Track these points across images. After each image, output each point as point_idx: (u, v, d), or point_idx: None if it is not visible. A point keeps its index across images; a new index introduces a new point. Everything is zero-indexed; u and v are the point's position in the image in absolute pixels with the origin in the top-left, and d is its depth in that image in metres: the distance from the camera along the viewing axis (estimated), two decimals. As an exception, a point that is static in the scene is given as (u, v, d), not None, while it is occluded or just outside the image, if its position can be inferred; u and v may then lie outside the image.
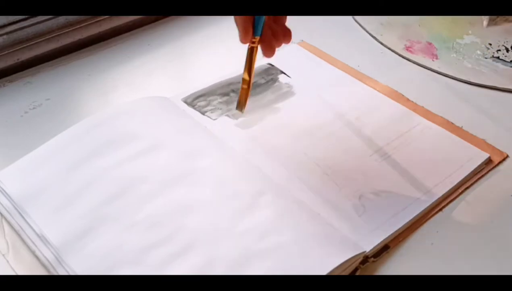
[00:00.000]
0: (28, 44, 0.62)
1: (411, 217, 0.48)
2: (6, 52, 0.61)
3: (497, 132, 0.56)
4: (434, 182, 0.50)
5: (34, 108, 0.57)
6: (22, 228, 0.44)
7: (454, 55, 0.66)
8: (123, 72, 0.63)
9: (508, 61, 0.66)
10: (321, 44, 0.66)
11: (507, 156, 0.54)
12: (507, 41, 0.68)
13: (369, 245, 0.45)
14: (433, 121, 0.57)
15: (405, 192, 0.50)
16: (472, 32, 0.70)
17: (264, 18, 0.49)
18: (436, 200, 0.49)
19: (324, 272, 0.41)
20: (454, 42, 0.68)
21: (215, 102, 0.57)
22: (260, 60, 0.62)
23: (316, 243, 0.44)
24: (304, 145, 0.53)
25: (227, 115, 0.56)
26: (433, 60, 0.66)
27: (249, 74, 0.53)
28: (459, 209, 0.49)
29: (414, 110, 0.58)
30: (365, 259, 0.45)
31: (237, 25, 0.49)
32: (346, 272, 0.44)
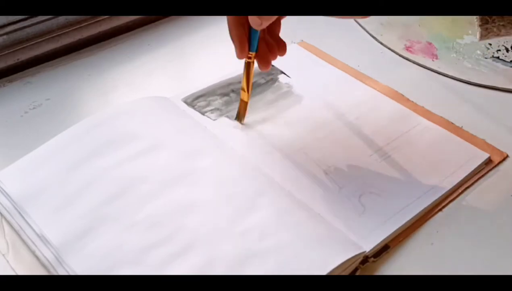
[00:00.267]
0: (28, 44, 0.62)
1: (411, 217, 0.48)
2: (6, 52, 0.61)
3: (497, 132, 0.56)
4: (434, 182, 0.50)
5: (34, 108, 0.58)
6: (22, 228, 0.44)
7: (454, 55, 0.66)
8: (123, 72, 0.63)
9: (508, 61, 0.66)
10: (321, 44, 0.66)
11: (507, 156, 0.54)
12: (507, 41, 0.68)
13: (369, 245, 0.45)
14: (433, 121, 0.57)
15: (405, 192, 0.50)
16: (472, 32, 0.70)
17: (259, 33, 0.50)
18: (436, 200, 0.49)
19: (324, 272, 0.41)
20: (454, 42, 0.68)
21: (215, 103, 0.57)
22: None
23: (316, 243, 0.44)
24: (304, 145, 0.53)
25: (227, 116, 0.56)
26: (433, 60, 0.66)
27: (247, 88, 0.53)
28: (459, 209, 0.50)
29: (414, 110, 0.58)
30: (365, 259, 0.45)
31: (233, 41, 0.50)
32: (346, 272, 0.44)
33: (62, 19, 0.63)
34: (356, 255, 0.43)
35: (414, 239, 0.47)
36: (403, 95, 0.60)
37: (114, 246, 0.43)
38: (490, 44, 0.68)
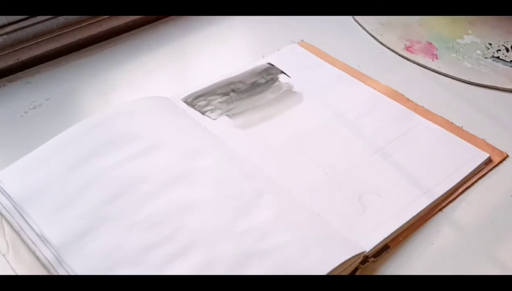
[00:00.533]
0: (28, 44, 0.62)
1: (411, 217, 0.48)
2: (6, 52, 0.61)
3: (497, 132, 0.56)
4: (434, 182, 0.50)
5: (34, 108, 0.57)
6: (22, 228, 0.44)
7: (454, 55, 0.66)
8: (123, 72, 0.63)
9: (508, 61, 0.66)
10: (321, 44, 0.66)
11: (507, 156, 0.54)
12: (507, 41, 0.68)
13: (369, 245, 0.45)
14: (433, 121, 0.57)
15: (405, 191, 0.50)
16: (472, 32, 0.70)
17: None
18: (436, 200, 0.49)
19: (324, 272, 0.41)
20: (454, 42, 0.68)
21: (215, 102, 0.57)
22: (260, 60, 0.63)
23: (316, 243, 0.44)
24: (304, 145, 0.53)
25: (227, 115, 0.56)
26: (433, 60, 0.66)
27: None
28: (459, 209, 0.49)
29: (414, 110, 0.58)
30: (365, 259, 0.45)
31: None
32: (346, 272, 0.44)
33: (62, 19, 0.63)
34: (356, 255, 0.43)
35: (414, 239, 0.47)
36: (403, 95, 0.60)
37: (114, 246, 0.43)
38: (490, 44, 0.68)
